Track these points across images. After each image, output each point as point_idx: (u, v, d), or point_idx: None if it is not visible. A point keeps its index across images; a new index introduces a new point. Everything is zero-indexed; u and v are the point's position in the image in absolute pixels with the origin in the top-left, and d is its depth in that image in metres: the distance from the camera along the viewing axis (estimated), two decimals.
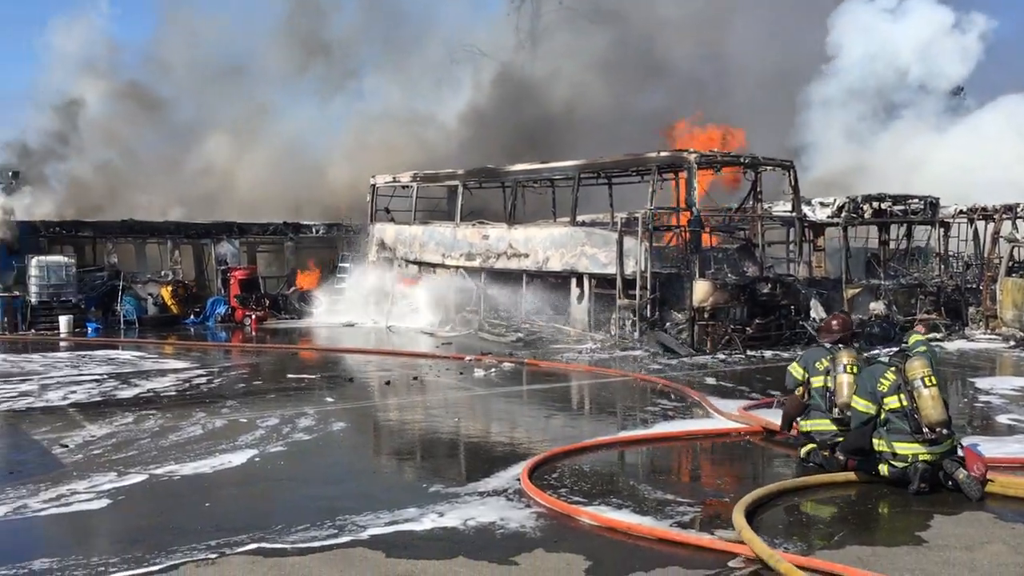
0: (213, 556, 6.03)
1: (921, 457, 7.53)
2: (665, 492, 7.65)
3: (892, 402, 7.67)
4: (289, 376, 14.67)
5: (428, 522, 6.79)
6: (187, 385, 13.73)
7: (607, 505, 7.22)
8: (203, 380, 14.25)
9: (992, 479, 7.47)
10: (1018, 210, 20.70)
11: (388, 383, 14.19)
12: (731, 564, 5.92)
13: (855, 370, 8.31)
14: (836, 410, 8.42)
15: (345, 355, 18.13)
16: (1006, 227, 20.61)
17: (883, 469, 7.70)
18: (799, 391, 8.92)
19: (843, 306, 18.57)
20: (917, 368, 7.60)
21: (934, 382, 7.58)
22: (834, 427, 8.50)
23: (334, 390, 13.22)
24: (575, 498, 7.40)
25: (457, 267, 21.86)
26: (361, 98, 36.69)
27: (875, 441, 7.76)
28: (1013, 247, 19.88)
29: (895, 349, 8.00)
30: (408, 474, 8.85)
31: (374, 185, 25.14)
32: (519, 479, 7.83)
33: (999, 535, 6.57)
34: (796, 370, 8.99)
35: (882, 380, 7.74)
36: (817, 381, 8.74)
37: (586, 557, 6.03)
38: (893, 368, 7.75)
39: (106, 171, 30.31)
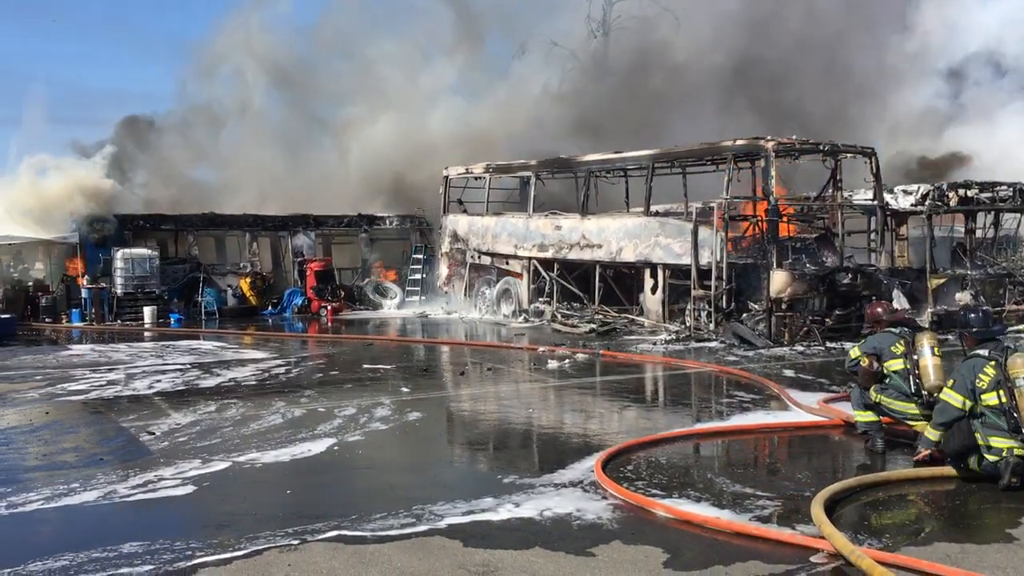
0: (295, 542, 6.14)
1: (1016, 452, 7.26)
2: (743, 486, 7.52)
3: (990, 399, 7.36)
4: (365, 366, 14.86)
5: (504, 512, 6.80)
6: (266, 375, 14.02)
7: (684, 498, 7.15)
8: (282, 370, 14.55)
9: None
10: None
11: (462, 373, 14.32)
12: (813, 559, 5.80)
13: (941, 352, 8.24)
14: (925, 393, 8.31)
15: (419, 346, 18.32)
16: None
17: (972, 462, 7.45)
18: (865, 361, 8.79)
19: (927, 297, 18.10)
20: (1020, 366, 7.27)
21: None
22: (919, 411, 8.39)
23: (409, 380, 13.36)
24: (651, 491, 7.34)
25: (529, 258, 21.86)
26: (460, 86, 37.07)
27: None
28: None
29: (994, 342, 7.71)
30: (483, 464, 8.90)
31: (446, 177, 25.27)
32: (594, 470, 7.80)
33: None
34: (854, 351, 9.06)
35: (981, 376, 7.41)
36: (896, 364, 8.61)
37: (664, 550, 5.97)
38: (993, 363, 7.43)
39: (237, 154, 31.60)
